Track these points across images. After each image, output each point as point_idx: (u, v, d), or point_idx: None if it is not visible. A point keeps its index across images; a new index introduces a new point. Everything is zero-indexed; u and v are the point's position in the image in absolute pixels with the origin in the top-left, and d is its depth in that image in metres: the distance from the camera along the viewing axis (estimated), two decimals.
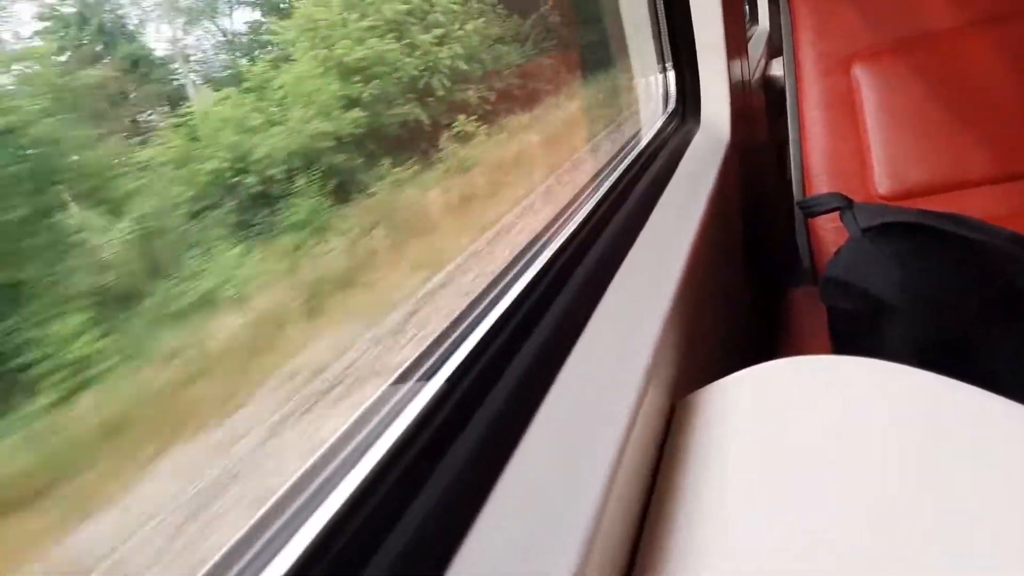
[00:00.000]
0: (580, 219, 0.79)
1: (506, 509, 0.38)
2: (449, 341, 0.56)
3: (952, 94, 1.21)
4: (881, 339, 0.87)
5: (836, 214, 1.00)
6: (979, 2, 1.23)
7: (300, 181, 3.73)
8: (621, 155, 1.08)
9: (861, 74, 1.27)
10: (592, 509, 0.36)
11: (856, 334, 0.93)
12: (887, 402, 0.48)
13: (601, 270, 0.68)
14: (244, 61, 4.58)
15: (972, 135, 1.19)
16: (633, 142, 1.17)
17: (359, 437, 0.46)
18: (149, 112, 3.84)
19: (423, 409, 0.46)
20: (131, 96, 3.72)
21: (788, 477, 0.44)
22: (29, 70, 2.93)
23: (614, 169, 1.00)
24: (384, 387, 0.53)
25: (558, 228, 0.77)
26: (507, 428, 0.45)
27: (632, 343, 0.54)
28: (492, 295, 0.62)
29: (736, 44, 1.32)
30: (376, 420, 0.47)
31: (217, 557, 0.38)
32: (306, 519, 0.38)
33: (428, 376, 0.51)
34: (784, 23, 1.37)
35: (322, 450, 0.45)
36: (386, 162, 4.23)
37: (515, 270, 0.67)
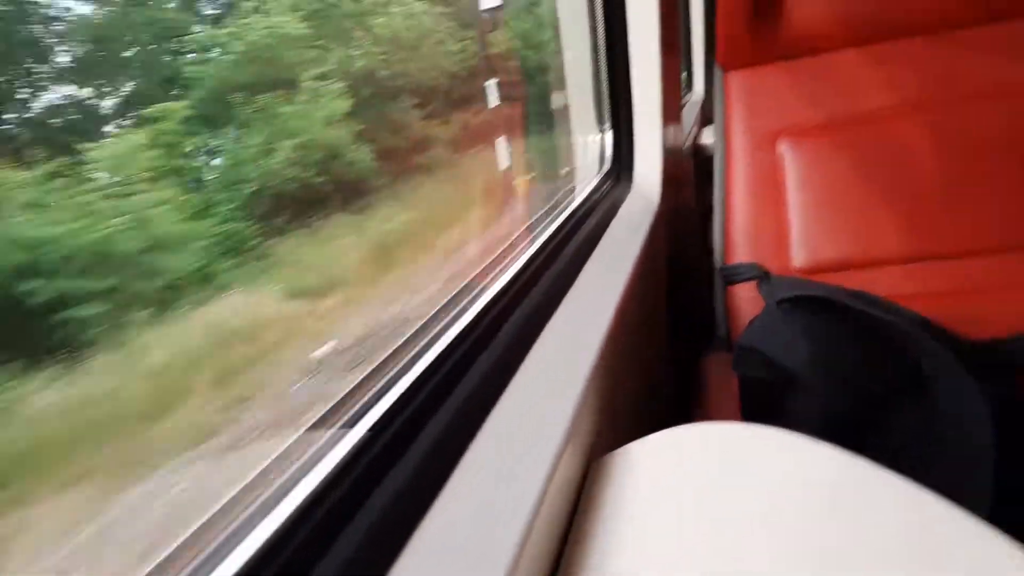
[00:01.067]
0: (512, 273, 0.79)
1: (425, 556, 0.38)
2: (374, 390, 0.55)
3: (871, 175, 1.26)
4: (788, 409, 0.90)
5: (754, 283, 1.04)
6: (906, 87, 1.28)
7: None
8: (557, 210, 1.11)
9: (785, 150, 1.32)
10: (505, 566, 0.37)
11: (765, 403, 0.95)
12: (785, 471, 0.50)
13: (529, 327, 0.69)
14: None
15: (886, 215, 1.24)
16: (568, 199, 1.19)
17: (280, 480, 0.44)
18: None
19: (344, 457, 0.46)
20: None
21: (689, 539, 0.45)
22: None
23: (550, 224, 1.01)
24: (303, 432, 0.51)
25: (490, 280, 0.78)
26: (429, 478, 0.45)
27: (553, 403, 0.54)
28: (418, 347, 0.62)
29: (671, 110, 1.37)
30: (295, 468, 0.46)
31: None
32: None
33: (351, 424, 0.50)
34: (718, 94, 1.41)
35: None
36: None
37: (442, 323, 0.67)
